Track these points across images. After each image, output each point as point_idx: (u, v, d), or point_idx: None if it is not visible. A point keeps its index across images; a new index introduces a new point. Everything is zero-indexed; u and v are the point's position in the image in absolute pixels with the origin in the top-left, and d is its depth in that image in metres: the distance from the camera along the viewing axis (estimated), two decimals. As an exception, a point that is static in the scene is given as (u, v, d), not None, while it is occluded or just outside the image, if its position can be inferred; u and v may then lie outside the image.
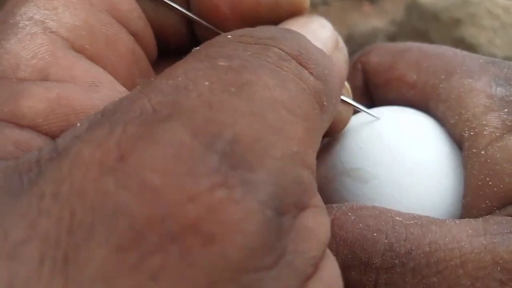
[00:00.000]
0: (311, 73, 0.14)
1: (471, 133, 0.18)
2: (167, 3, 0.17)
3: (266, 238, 0.10)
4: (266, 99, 0.12)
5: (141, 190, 0.09)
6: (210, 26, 0.17)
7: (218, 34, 0.16)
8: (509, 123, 0.17)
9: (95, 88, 0.14)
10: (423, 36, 1.59)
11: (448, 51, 0.21)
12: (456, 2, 1.41)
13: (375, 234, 0.16)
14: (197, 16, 0.17)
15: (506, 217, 0.16)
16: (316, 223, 0.12)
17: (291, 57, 0.14)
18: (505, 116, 0.18)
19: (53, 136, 0.12)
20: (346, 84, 0.20)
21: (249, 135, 0.11)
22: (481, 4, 1.35)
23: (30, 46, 0.13)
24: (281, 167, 0.11)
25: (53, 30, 0.14)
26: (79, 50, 0.15)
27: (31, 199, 0.10)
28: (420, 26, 1.60)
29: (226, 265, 0.09)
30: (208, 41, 0.14)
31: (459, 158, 0.20)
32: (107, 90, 0.13)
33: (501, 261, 0.14)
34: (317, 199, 0.13)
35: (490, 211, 0.17)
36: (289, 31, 0.15)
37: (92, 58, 0.15)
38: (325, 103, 0.14)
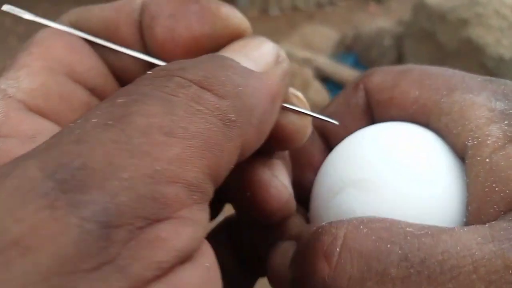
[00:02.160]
0: (215, 94, 0.15)
1: (475, 142, 0.19)
2: (122, 50, 0.19)
3: (82, 246, 0.11)
4: (139, 127, 0.13)
5: None
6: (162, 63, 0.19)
7: None
8: (510, 134, 0.18)
9: (33, 140, 0.16)
10: (430, 37, 1.58)
11: (448, 71, 0.22)
12: (464, 2, 1.40)
13: (389, 246, 0.17)
14: (154, 57, 0.19)
15: (510, 223, 0.16)
16: (173, 233, 0.13)
17: (193, 83, 0.15)
18: (506, 127, 0.18)
19: None
20: (298, 93, 0.21)
21: (99, 160, 0.12)
22: (489, 4, 1.34)
23: None
24: (125, 186, 0.12)
25: (11, 95, 0.17)
26: (33, 108, 0.17)
27: None
28: (427, 27, 1.59)
29: (37, 270, 0.11)
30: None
31: (460, 167, 0.20)
32: (45, 139, 0.15)
33: (511, 264, 0.15)
34: (187, 211, 0.13)
35: (497, 216, 0.17)
36: (204, 59, 0.16)
37: (46, 114, 0.17)
38: (234, 119, 0.15)
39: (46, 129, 0.17)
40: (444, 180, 0.19)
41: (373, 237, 0.17)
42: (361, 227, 0.17)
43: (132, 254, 0.12)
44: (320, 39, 1.83)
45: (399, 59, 1.61)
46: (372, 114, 0.24)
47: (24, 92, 0.17)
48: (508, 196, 0.17)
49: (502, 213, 0.17)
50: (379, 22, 1.89)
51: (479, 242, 0.16)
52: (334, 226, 0.18)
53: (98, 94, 0.19)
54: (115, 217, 0.12)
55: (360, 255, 0.17)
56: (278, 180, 0.21)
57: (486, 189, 0.18)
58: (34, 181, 0.12)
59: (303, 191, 0.23)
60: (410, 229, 0.17)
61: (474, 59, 1.35)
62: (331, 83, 1.60)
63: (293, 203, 0.21)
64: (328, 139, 0.24)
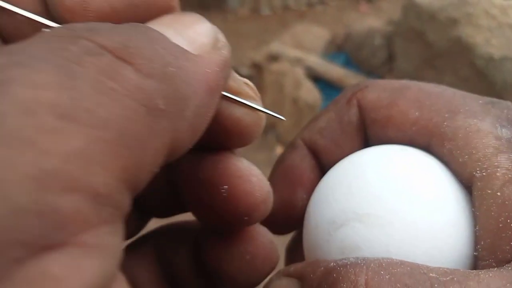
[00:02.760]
0: (137, 69, 0.12)
1: (484, 173, 0.18)
2: (16, 11, 0.15)
3: None
4: (21, 101, 0.10)
5: None
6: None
7: None
8: None
9: None
10: (420, 36, 1.59)
11: (447, 90, 0.21)
12: (453, 2, 1.41)
13: None
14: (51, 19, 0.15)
15: None
16: (70, 268, 0.09)
17: (107, 50, 0.11)
18: None
19: None
20: (250, 83, 0.19)
21: None
22: (478, 4, 1.35)
23: None
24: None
25: None
26: None
27: None
28: (417, 26, 1.60)
29: None
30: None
31: (466, 196, 0.20)
32: None
33: None
34: (92, 235, 0.10)
35: None
36: (123, 26, 0.13)
37: None
38: (161, 107, 0.12)
39: None
40: (453, 211, 0.19)
41: (398, 285, 0.16)
42: (382, 272, 0.17)
43: None
44: (311, 38, 1.83)
45: (390, 59, 1.62)
46: (366, 132, 0.22)
47: None
48: None
49: None
50: (370, 22, 1.90)
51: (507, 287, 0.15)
52: (351, 271, 0.17)
53: None
54: None
55: None
56: (255, 169, 0.18)
57: (501, 225, 0.17)
58: None
59: (294, 211, 0.21)
60: (434, 275, 0.16)
61: (463, 58, 1.36)
62: (323, 83, 1.61)
63: (272, 199, 0.18)
64: (319, 156, 0.23)
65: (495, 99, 0.20)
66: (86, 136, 0.10)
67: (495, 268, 0.17)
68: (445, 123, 0.19)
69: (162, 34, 0.13)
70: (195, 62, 0.14)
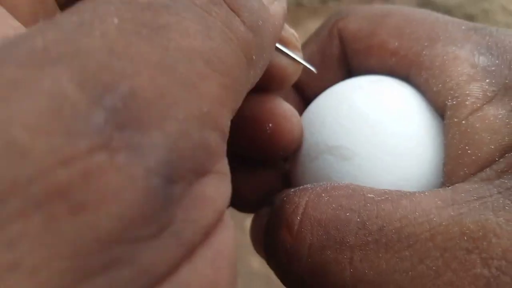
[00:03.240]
0: (243, 21, 0.13)
1: (454, 102, 0.18)
2: None
3: (147, 208, 0.09)
4: (183, 49, 0.11)
5: (6, 149, 0.08)
6: None
7: None
8: (489, 94, 0.17)
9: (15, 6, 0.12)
10: (435, 33, 1.57)
11: (431, 16, 0.20)
12: (470, -2, 1.38)
13: (347, 214, 0.16)
14: None
15: (474, 185, 0.16)
16: (216, 190, 0.11)
17: (224, 0, 0.12)
18: (487, 86, 0.17)
19: None
20: (295, 33, 0.19)
21: (151, 89, 0.10)
22: (496, 0, 1.32)
23: None
24: (183, 130, 0.10)
25: None
26: None
27: None
28: (432, 23, 1.58)
29: (94, 237, 0.08)
30: None
31: (440, 126, 0.19)
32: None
33: (467, 231, 0.15)
34: (222, 165, 0.12)
35: (466, 179, 0.17)
36: None
37: None
38: (254, 57, 0.13)
39: None
40: (423, 143, 0.18)
41: (333, 205, 0.17)
42: (323, 195, 0.17)
43: (185, 216, 0.10)
44: (324, 35, 1.82)
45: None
46: (349, 63, 0.22)
47: None
48: (479, 159, 0.16)
49: (472, 175, 0.17)
50: (384, 18, 1.88)
51: (438, 206, 0.15)
52: (297, 194, 0.18)
53: None
54: (177, 170, 0.10)
55: (319, 224, 0.16)
56: (295, 110, 0.20)
57: (459, 151, 0.17)
58: (76, 104, 0.09)
59: None
60: (371, 195, 0.16)
61: (480, 55, 1.34)
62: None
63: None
64: (303, 90, 0.23)
65: (479, 25, 0.19)
66: (219, 82, 0.11)
67: (436, 189, 0.17)
68: (424, 52, 0.19)
69: None
70: (270, 15, 0.15)
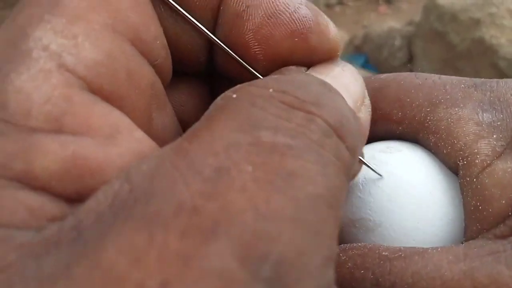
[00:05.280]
0: (347, 147, 0.13)
1: (464, 162, 0.18)
2: (195, 24, 0.15)
3: None
4: (310, 197, 0.11)
5: None
6: (236, 57, 0.16)
7: (240, 64, 0.16)
8: (498, 149, 0.18)
9: (113, 141, 0.12)
10: (441, 37, 1.56)
11: (428, 80, 0.20)
12: (476, 2, 1.38)
13: (362, 272, 0.17)
14: (223, 43, 0.16)
15: (487, 240, 0.16)
16: None
17: (333, 130, 0.12)
18: (495, 142, 0.18)
19: (66, 198, 0.11)
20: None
21: (292, 250, 0.10)
22: (502, 4, 1.32)
23: (44, 88, 0.11)
24: (316, 284, 0.10)
25: (70, 67, 0.12)
26: (96, 90, 0.12)
27: None
28: (438, 27, 1.57)
29: None
30: (244, 86, 0.13)
31: (456, 185, 0.20)
32: (126, 141, 0.12)
33: (479, 286, 0.15)
34: None
35: (480, 234, 0.17)
36: (329, 90, 0.14)
37: (110, 98, 0.13)
38: (350, 175, 0.13)
39: (123, 123, 0.13)
40: (441, 205, 0.19)
41: (349, 264, 0.17)
42: (340, 255, 0.18)
43: None
44: (330, 39, 1.82)
45: (409, 60, 1.60)
46: None
47: (86, 65, 0.12)
48: (491, 214, 0.17)
49: (485, 231, 0.17)
50: (389, 23, 1.88)
51: (450, 261, 0.16)
52: None
53: (159, 72, 0.15)
54: None
55: (336, 283, 0.17)
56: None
57: (472, 208, 0.17)
58: (241, 281, 0.09)
59: None
60: (386, 253, 0.17)
61: (485, 59, 1.33)
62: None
63: None
64: None
65: (479, 80, 0.19)
66: (335, 220, 0.11)
67: (448, 245, 0.17)
68: (427, 118, 0.19)
69: (341, 96, 0.14)
70: (360, 125, 0.15)
